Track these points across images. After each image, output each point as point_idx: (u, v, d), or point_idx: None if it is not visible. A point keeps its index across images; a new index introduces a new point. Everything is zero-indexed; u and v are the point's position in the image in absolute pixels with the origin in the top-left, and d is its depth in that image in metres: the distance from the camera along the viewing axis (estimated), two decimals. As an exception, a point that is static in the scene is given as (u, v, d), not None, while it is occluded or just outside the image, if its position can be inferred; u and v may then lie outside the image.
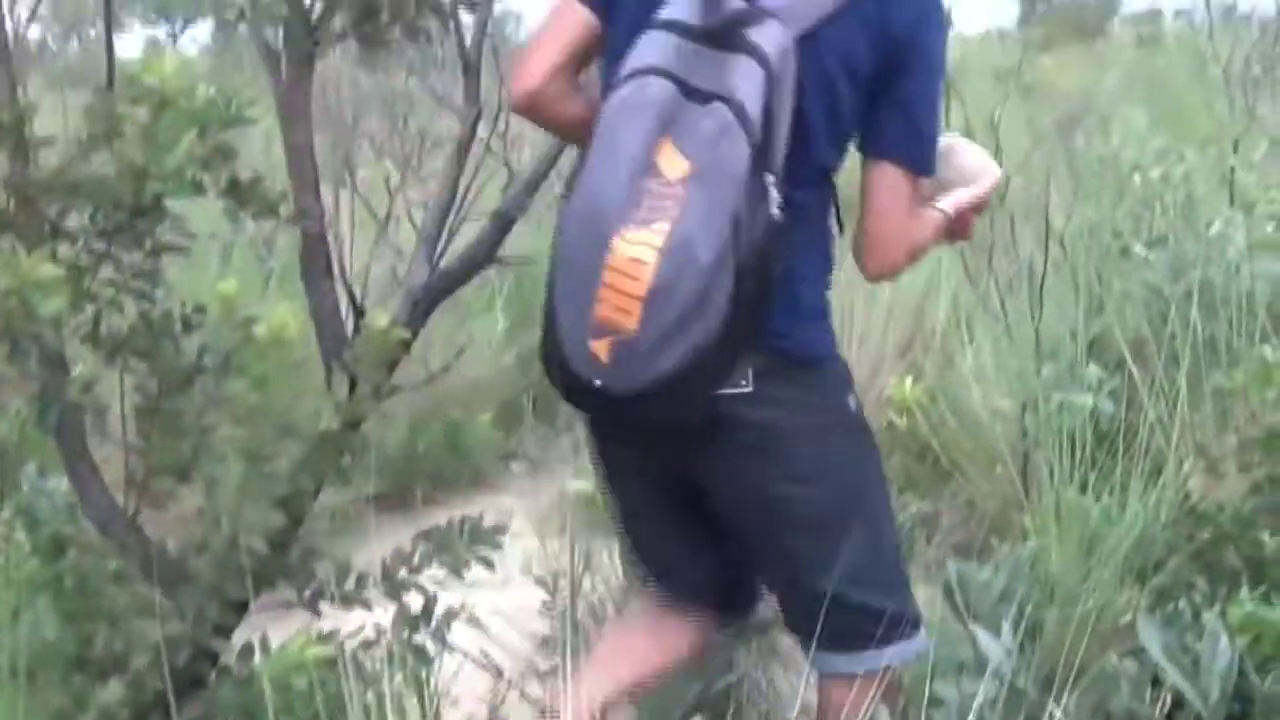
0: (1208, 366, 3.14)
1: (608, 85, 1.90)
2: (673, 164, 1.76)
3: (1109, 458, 2.93)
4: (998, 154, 4.46)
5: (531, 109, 2.06)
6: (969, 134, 7.34)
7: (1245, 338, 3.26)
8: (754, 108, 1.76)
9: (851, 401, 2.10)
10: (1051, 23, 26.00)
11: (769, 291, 1.84)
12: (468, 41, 2.49)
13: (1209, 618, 2.34)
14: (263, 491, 2.07)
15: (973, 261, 4.41)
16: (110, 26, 2.27)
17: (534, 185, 2.46)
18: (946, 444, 3.85)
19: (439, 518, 3.91)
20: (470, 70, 2.46)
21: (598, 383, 1.82)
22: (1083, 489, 2.80)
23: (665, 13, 1.84)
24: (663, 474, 2.15)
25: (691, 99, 1.77)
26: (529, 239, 5.60)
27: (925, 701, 2.11)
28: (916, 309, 4.80)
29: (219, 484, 2.09)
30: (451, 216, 2.43)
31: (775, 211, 1.79)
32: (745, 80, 1.77)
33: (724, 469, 2.04)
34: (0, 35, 1.99)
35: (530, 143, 4.22)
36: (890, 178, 1.95)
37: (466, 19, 2.48)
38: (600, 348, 1.79)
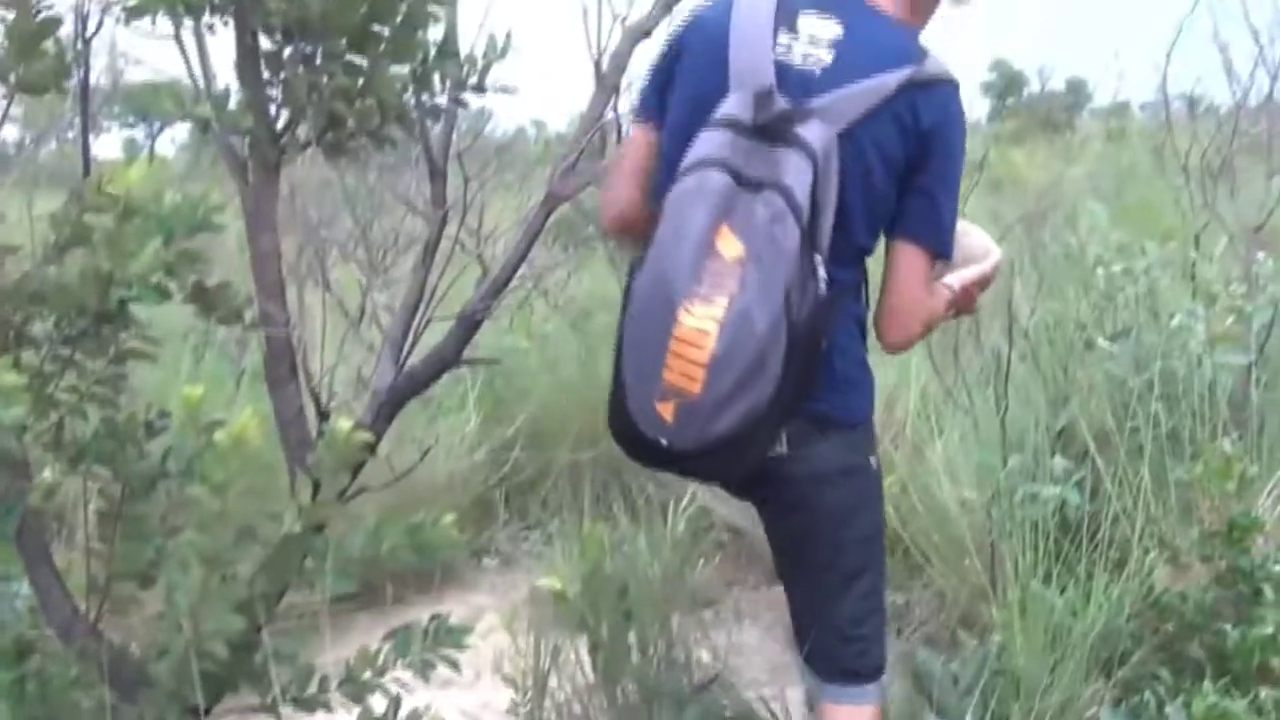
0: (1171, 458, 3.17)
1: (667, 179, 2.10)
2: (729, 246, 1.96)
3: (1074, 549, 2.94)
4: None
5: (621, 232, 2.36)
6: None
7: (1207, 429, 3.29)
8: (803, 195, 1.97)
9: (873, 461, 2.32)
10: (1021, 116, 26.38)
11: (816, 361, 2.07)
12: (434, 144, 2.53)
13: (1173, 710, 2.35)
14: (223, 596, 2.06)
15: (940, 355, 4.45)
16: (87, 129, 2.29)
17: (500, 287, 2.49)
18: (917, 536, 3.85)
19: (409, 616, 3.91)
20: (436, 174, 2.49)
21: (664, 441, 2.02)
22: (1047, 581, 2.81)
23: (721, 111, 2.05)
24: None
25: (745, 188, 1.98)
26: (498, 337, 5.65)
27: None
28: (886, 401, 4.82)
29: (179, 589, 2.09)
30: (418, 318, 2.45)
31: (823, 288, 2.00)
32: (795, 171, 1.98)
33: (771, 516, 2.36)
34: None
35: (504, 238, 4.27)
36: (911, 257, 2.17)
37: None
38: (665, 409, 1.99)
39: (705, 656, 3.12)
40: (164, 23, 2.10)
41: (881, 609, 2.37)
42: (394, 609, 4.15)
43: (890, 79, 2.08)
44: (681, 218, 1.98)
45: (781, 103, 2.04)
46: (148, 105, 2.23)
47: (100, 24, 2.33)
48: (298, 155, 2.14)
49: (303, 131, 2.14)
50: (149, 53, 2.27)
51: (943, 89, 2.14)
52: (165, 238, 2.02)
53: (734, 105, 2.05)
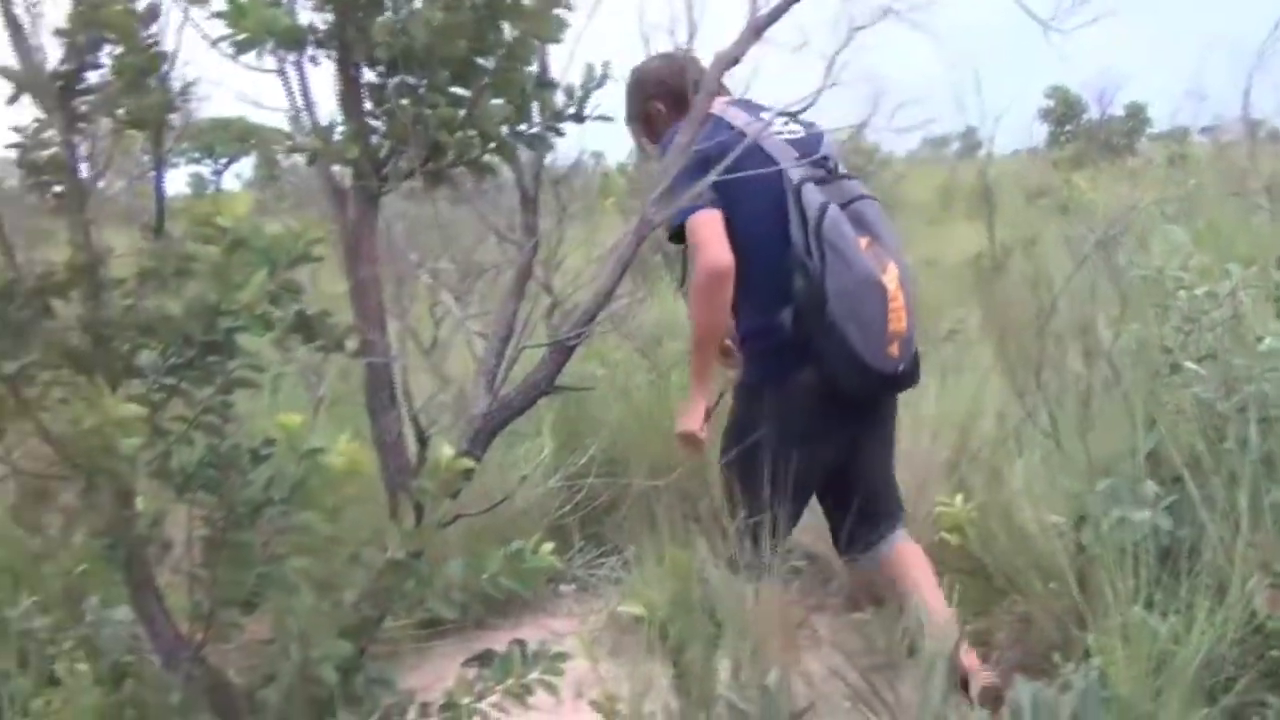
0: (1267, 480, 3.12)
1: (760, 234, 3.24)
2: (862, 241, 3.17)
3: (1170, 576, 2.91)
4: (1039, 273, 4.51)
5: (727, 278, 3.19)
6: (1007, 254, 7.33)
7: (1303, 453, 3.23)
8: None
9: None
10: (1081, 141, 26.22)
11: None
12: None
13: (1281, 737, 2.30)
14: (331, 621, 2.08)
15: (1019, 378, 4.41)
16: (161, 167, 2.32)
17: (593, 314, 2.49)
18: (998, 561, 3.82)
19: (488, 642, 3.91)
20: (529, 203, 2.50)
21: (897, 369, 3.23)
22: (1148, 607, 2.78)
23: (798, 176, 3.19)
24: (847, 442, 3.47)
25: (845, 209, 3.20)
26: (573, 365, 5.64)
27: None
28: (962, 426, 4.79)
29: (288, 614, 2.10)
30: (511, 345, 2.46)
31: None
32: (860, 188, 3.29)
33: (884, 417, 3.57)
34: (75, 183, 2.04)
35: (574, 273, 4.28)
36: None
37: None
38: (892, 349, 3.18)
39: (798, 683, 3.09)
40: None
41: None
42: (475, 635, 4.15)
43: (825, 134, 3.45)
44: (843, 234, 3.11)
45: (818, 159, 3.25)
46: (242, 138, 2.27)
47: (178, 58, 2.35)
48: (399, 185, 2.15)
49: (403, 162, 2.16)
50: (227, 85, 2.29)
51: None
52: (269, 269, 2.04)
53: (796, 173, 3.20)
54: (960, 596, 3.76)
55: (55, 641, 2.35)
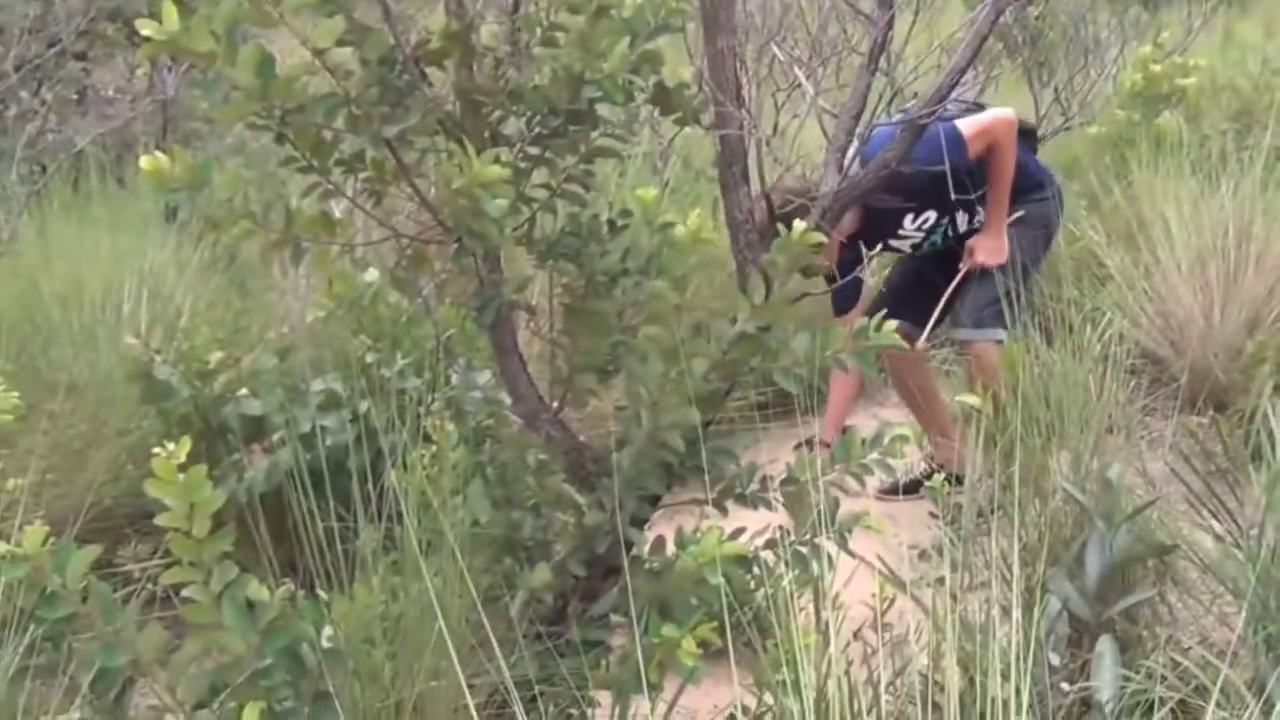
0: None
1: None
2: None
3: None
4: None
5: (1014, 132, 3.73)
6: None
7: None
8: None
9: None
10: None
11: None
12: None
13: None
14: (681, 390, 2.13)
15: None
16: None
17: (945, 92, 2.42)
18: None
19: (815, 429, 3.96)
20: (883, -24, 2.43)
21: None
22: None
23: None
24: None
25: None
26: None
27: None
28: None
29: (641, 382, 2.17)
30: (861, 124, 2.42)
31: None
32: None
33: None
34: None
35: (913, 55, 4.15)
36: None
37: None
38: None
39: (1137, 481, 3.03)
40: None
41: None
42: (804, 421, 4.18)
43: None
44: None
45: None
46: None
47: None
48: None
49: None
50: None
51: None
52: (630, 39, 2.06)
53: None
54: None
55: (425, 401, 2.49)
